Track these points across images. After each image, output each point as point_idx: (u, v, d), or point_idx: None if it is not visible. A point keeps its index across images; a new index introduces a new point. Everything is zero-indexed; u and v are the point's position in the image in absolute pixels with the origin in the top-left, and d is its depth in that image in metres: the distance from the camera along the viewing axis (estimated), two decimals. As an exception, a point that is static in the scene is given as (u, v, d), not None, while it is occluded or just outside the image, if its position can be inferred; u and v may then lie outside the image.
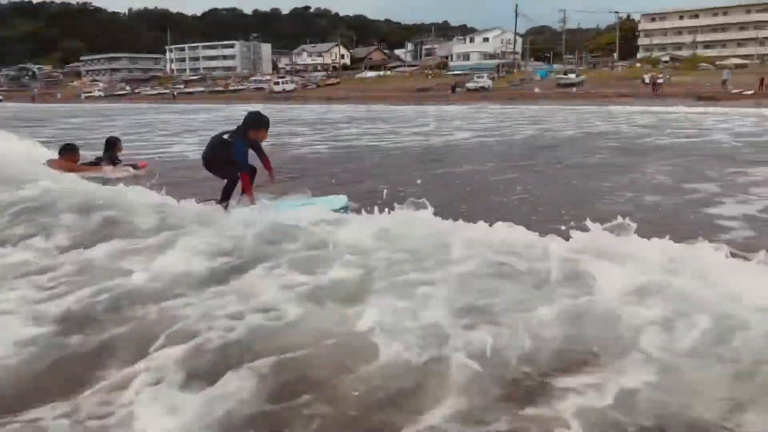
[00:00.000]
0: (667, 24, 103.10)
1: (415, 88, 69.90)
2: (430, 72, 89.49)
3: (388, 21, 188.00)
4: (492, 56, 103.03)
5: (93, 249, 4.21)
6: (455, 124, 24.57)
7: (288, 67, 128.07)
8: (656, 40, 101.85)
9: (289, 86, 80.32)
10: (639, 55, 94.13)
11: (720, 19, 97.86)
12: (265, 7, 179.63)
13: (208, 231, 4.59)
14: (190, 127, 25.68)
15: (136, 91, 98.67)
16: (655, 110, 30.63)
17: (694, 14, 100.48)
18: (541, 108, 35.97)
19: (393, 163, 12.31)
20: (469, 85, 65.04)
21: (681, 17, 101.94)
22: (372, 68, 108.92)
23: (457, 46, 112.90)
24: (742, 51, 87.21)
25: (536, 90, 58.55)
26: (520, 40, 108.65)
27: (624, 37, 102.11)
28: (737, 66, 68.38)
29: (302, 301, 3.29)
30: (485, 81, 66.43)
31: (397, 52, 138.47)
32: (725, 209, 6.97)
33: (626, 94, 47.89)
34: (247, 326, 2.96)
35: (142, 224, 4.77)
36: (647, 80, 50.69)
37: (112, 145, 9.79)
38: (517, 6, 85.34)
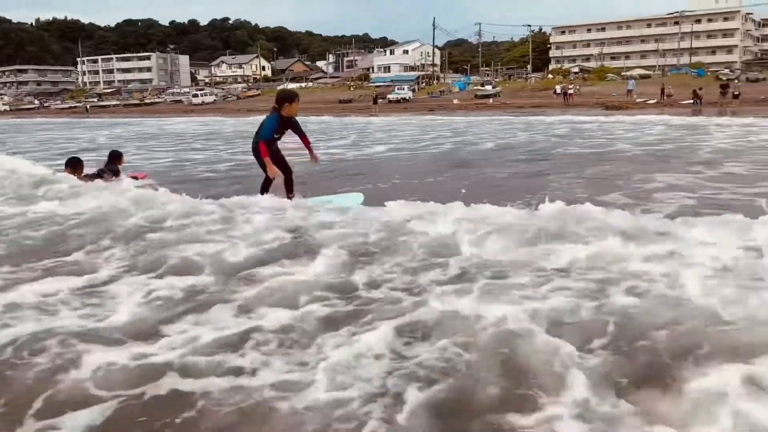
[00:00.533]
0: (576, 37, 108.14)
1: (338, 99, 70.14)
2: (352, 83, 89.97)
3: (309, 33, 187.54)
4: (412, 68, 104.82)
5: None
6: (376, 137, 24.80)
7: (207, 80, 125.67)
8: (566, 52, 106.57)
9: (209, 98, 78.79)
10: (551, 67, 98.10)
11: (624, 32, 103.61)
12: (183, 18, 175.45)
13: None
14: (93, 144, 24.71)
15: (45, 104, 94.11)
16: (569, 119, 31.98)
17: (601, 27, 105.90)
18: (463, 119, 36.82)
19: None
20: (391, 96, 65.87)
21: (589, 30, 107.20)
22: (294, 80, 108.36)
23: (378, 59, 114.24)
24: (645, 62, 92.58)
25: (456, 101, 59.99)
26: (438, 53, 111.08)
27: (537, 50, 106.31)
28: (641, 76, 72.54)
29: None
30: (406, 92, 67.50)
31: (319, 63, 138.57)
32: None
33: (540, 104, 49.90)
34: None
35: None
36: (559, 91, 52.92)
37: (116, 158, 9.83)
38: (434, 20, 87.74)
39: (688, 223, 4.46)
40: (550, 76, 79.08)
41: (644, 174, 11.16)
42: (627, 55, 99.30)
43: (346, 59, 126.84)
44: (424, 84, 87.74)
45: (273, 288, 3.74)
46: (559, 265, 3.82)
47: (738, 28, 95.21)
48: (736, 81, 47.73)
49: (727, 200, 8.46)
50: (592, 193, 9.16)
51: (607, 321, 2.99)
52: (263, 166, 6.98)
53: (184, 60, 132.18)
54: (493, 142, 20.22)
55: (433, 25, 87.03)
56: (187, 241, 4.79)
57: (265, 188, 7.16)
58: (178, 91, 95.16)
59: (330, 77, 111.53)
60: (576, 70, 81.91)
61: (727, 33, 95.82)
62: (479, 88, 68.64)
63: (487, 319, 3.00)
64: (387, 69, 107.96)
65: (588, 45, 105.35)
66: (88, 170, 9.40)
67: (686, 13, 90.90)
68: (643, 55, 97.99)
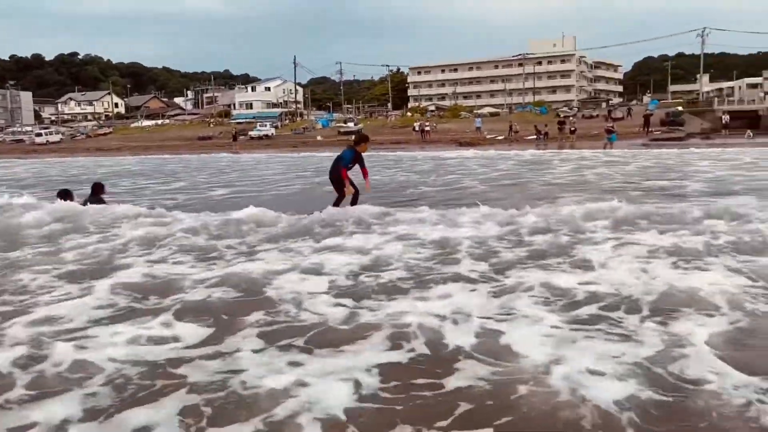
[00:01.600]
0: (431, 77, 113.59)
1: (197, 136, 68.00)
2: (212, 120, 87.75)
3: (166, 69, 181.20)
4: (275, 105, 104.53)
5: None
6: (230, 177, 23.96)
7: (53, 117, 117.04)
8: (423, 91, 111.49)
9: (54, 137, 73.01)
10: (410, 105, 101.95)
11: (474, 73, 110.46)
12: (26, 53, 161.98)
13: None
14: None
15: None
16: (431, 155, 33.00)
17: (453, 68, 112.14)
18: (327, 155, 36.80)
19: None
20: (252, 133, 64.93)
21: (443, 71, 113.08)
22: (150, 117, 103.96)
23: (240, 95, 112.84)
24: (495, 101, 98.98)
25: (319, 138, 60.25)
26: (301, 90, 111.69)
27: (396, 88, 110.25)
28: (491, 114, 77.23)
29: None
30: (268, 129, 66.88)
31: (177, 100, 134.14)
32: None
33: (400, 141, 51.34)
34: None
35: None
36: (417, 128, 54.90)
37: (99, 189, 10.99)
38: (295, 57, 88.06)
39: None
40: (409, 113, 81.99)
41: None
42: (478, 94, 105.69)
43: (205, 96, 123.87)
44: (287, 121, 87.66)
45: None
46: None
47: (573, 70, 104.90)
48: (572, 118, 52.01)
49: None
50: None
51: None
52: (340, 185, 10.15)
53: (26, 96, 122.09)
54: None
55: (294, 62, 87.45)
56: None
57: (337, 203, 10.05)
58: (19, 129, 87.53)
59: (188, 114, 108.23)
60: (432, 108, 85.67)
61: (564, 74, 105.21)
62: (342, 125, 69.59)
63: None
64: (249, 106, 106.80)
65: (443, 84, 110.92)
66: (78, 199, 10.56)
67: (529, 56, 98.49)
68: (493, 94, 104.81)
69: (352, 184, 10.24)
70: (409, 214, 9.07)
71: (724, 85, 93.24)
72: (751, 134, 42.06)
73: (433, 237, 7.46)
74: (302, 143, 54.72)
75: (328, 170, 10.50)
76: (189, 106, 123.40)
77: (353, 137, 10.47)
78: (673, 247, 6.50)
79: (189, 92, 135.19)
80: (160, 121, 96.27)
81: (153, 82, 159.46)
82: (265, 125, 69.40)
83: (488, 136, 50.61)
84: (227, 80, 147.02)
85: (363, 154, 10.27)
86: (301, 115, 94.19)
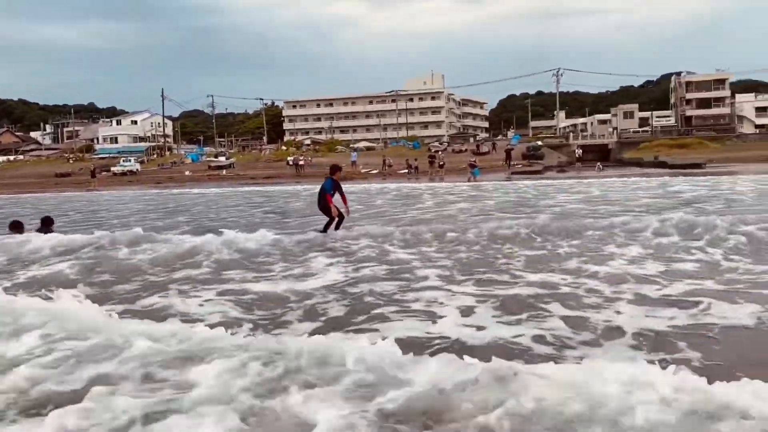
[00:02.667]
0: (307, 111, 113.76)
1: (54, 173, 63.07)
2: (71, 156, 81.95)
3: (23, 101, 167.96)
4: (142, 139, 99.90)
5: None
6: (74, 218, 22.04)
7: None
8: (299, 125, 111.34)
9: None
10: (285, 138, 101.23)
11: (350, 108, 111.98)
12: None
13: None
14: None
15: None
16: (304, 188, 32.38)
17: (329, 102, 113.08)
18: (196, 192, 35.11)
19: None
20: (116, 168, 61.29)
21: (318, 105, 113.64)
22: (2, 152, 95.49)
23: (104, 129, 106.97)
24: (370, 135, 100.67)
25: (188, 172, 57.91)
26: (170, 123, 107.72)
27: (272, 122, 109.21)
28: (367, 148, 78.30)
29: None
30: (133, 164, 63.43)
31: (34, 134, 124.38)
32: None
33: (273, 175, 50.44)
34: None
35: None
36: (291, 162, 54.27)
37: (49, 223, 12.21)
38: (163, 90, 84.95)
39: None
40: (284, 147, 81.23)
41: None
42: (354, 129, 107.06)
43: (66, 129, 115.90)
44: (155, 155, 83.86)
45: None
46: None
47: (443, 106, 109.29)
48: (441, 153, 53.74)
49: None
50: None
51: None
52: (328, 211, 12.14)
53: None
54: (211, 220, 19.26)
55: (162, 95, 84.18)
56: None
57: (327, 227, 12.15)
58: None
59: (46, 149, 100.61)
60: (308, 141, 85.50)
61: (435, 110, 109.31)
62: (213, 159, 67.52)
63: None
64: (114, 140, 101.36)
65: (319, 119, 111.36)
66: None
67: (401, 92, 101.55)
68: (368, 128, 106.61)
69: (336, 210, 12.19)
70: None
71: (579, 121, 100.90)
72: (601, 166, 45.39)
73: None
74: (169, 179, 52.26)
75: (316, 200, 12.53)
76: (48, 141, 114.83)
77: (328, 168, 12.87)
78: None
79: (47, 126, 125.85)
80: (12, 157, 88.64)
81: (8, 115, 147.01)
82: (129, 160, 65.83)
83: (363, 170, 51.00)
84: (92, 113, 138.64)
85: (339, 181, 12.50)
86: (170, 149, 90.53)
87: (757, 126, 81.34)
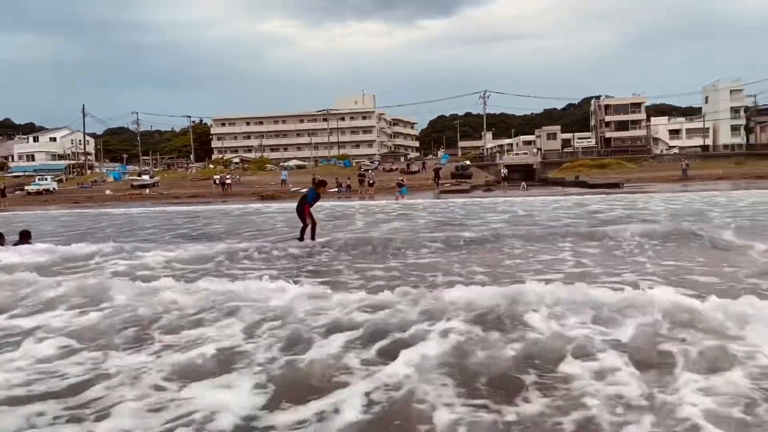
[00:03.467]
0: (236, 129, 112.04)
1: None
2: (-19, 174, 77.46)
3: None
4: (62, 157, 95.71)
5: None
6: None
7: None
8: (228, 143, 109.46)
9: None
10: (213, 157, 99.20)
11: (281, 126, 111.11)
12: None
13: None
14: None
15: None
16: (229, 208, 31.54)
17: (259, 121, 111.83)
18: (115, 211, 33.59)
19: None
20: (29, 187, 58.17)
21: (248, 123, 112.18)
22: None
23: (20, 146, 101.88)
24: (302, 154, 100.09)
25: (108, 191, 55.63)
26: (92, 141, 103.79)
27: (199, 140, 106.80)
28: (298, 167, 77.64)
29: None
30: (49, 183, 60.38)
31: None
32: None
33: (198, 194, 49.10)
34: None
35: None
36: (217, 180, 53.03)
37: (27, 236, 12.99)
38: (84, 106, 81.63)
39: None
40: (211, 165, 79.49)
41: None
42: (285, 147, 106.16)
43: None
44: (75, 173, 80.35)
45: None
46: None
47: (374, 126, 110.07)
48: (371, 172, 53.86)
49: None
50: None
51: None
52: (302, 216, 13.21)
53: None
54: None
55: (83, 111, 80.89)
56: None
57: (302, 234, 13.24)
58: None
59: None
60: (237, 160, 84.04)
61: (366, 130, 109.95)
62: (136, 177, 65.22)
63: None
64: (31, 157, 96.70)
65: (248, 137, 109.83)
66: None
67: (332, 111, 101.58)
68: (299, 147, 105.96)
69: (312, 218, 13.23)
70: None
71: (505, 141, 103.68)
72: (526, 186, 46.60)
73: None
74: (88, 198, 50.00)
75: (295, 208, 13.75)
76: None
77: (316, 181, 14.73)
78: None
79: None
80: None
81: None
82: (46, 179, 62.66)
83: (293, 189, 50.42)
84: (7, 129, 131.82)
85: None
86: (91, 167, 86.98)
87: (670, 147, 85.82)
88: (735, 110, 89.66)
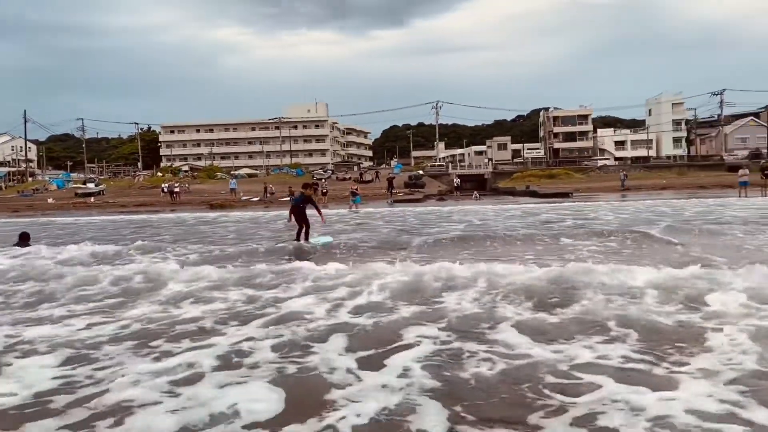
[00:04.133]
0: (185, 136, 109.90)
1: None
2: None
3: None
4: (1, 164, 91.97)
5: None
6: None
7: None
8: (178, 151, 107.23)
9: None
10: (162, 165, 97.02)
11: (232, 134, 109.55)
12: None
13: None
14: None
15: None
16: (181, 216, 30.74)
17: (209, 128, 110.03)
18: (59, 220, 32.26)
19: None
20: (-36, 195, 55.59)
21: (198, 130, 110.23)
22: None
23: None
24: (253, 162, 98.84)
25: (51, 200, 53.59)
26: (35, 148, 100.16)
27: (147, 147, 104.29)
28: (249, 175, 76.58)
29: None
30: (-15, 191, 57.82)
31: None
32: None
33: (146, 203, 47.82)
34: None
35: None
36: (165, 189, 51.70)
37: (26, 238, 14.25)
38: (25, 112, 78.82)
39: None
40: (160, 174, 77.64)
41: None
42: (236, 156, 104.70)
43: None
44: (15, 181, 77.30)
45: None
46: None
47: (327, 135, 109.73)
48: (324, 181, 53.51)
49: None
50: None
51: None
52: (299, 220, 14.32)
53: None
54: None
55: (24, 117, 77.99)
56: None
57: (297, 236, 14.30)
58: None
59: None
60: (186, 168, 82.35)
61: (319, 138, 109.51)
62: (80, 185, 63.03)
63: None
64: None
65: (198, 144, 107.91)
66: None
67: (284, 120, 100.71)
68: (251, 155, 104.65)
69: (300, 220, 14.26)
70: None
71: (457, 151, 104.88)
72: (478, 195, 47.10)
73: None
74: (28, 207, 48.03)
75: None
76: None
77: (305, 185, 15.47)
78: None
79: None
80: None
81: None
82: (-19, 187, 60.02)
83: (244, 198, 49.61)
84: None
85: (311, 196, 14.80)
86: (33, 175, 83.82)
87: (616, 158, 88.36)
88: (677, 123, 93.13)
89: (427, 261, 10.24)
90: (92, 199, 53.33)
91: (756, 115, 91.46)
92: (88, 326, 6.40)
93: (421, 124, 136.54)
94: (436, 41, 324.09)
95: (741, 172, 32.25)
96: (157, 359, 5.17)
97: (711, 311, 5.94)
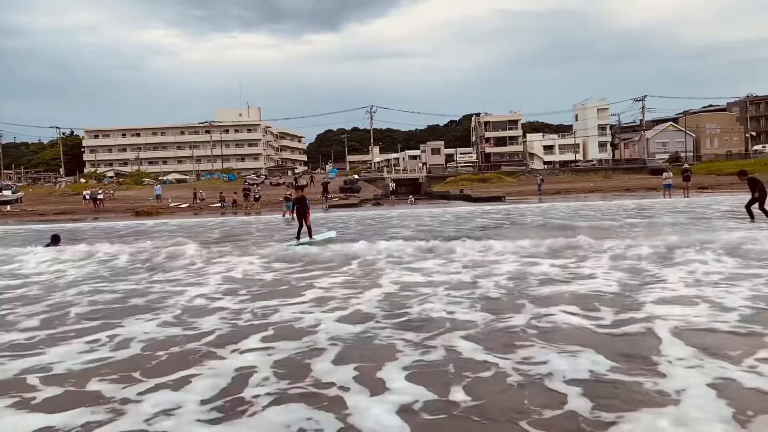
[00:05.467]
0: (110, 141, 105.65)
1: None
2: None
3: None
4: None
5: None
6: None
7: None
8: (102, 156, 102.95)
9: None
10: (86, 170, 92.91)
11: (160, 138, 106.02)
12: None
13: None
14: None
15: None
16: (100, 225, 29.17)
17: (136, 132, 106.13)
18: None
19: None
20: None
21: (123, 135, 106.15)
22: None
23: None
24: (183, 167, 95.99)
25: (-39, 209, 50.14)
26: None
27: (70, 153, 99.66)
28: (178, 181, 74.27)
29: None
30: None
31: None
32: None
33: (67, 210, 45.40)
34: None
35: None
36: (87, 196, 49.15)
37: (57, 239, 16.04)
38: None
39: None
40: (83, 180, 74.17)
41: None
42: (165, 160, 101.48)
43: None
44: None
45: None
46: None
47: (260, 139, 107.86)
48: (257, 186, 52.32)
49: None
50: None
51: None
52: (300, 220, 15.63)
53: None
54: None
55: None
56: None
57: (298, 234, 15.50)
58: None
59: None
60: (111, 174, 79.07)
61: (252, 143, 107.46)
62: (-5, 193, 59.27)
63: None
64: None
65: (124, 149, 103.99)
66: None
67: (215, 123, 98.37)
68: (180, 160, 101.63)
69: (304, 218, 15.47)
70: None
71: (392, 156, 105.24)
72: (413, 199, 47.15)
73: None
74: (-66, 217, 44.72)
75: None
76: None
77: (296, 185, 19.57)
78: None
79: None
80: None
81: None
82: None
83: (172, 204, 47.88)
84: None
85: (305, 197, 16.09)
86: (-59, 181, 78.31)
87: (545, 162, 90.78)
88: (602, 127, 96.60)
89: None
90: (8, 207, 50.25)
91: (675, 120, 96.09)
92: None
93: (356, 129, 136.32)
94: (370, 47, 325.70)
95: (665, 175, 33.48)
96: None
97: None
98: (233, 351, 5.30)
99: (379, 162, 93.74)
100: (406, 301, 7.16)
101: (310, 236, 15.52)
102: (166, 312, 7.09)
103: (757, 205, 16.16)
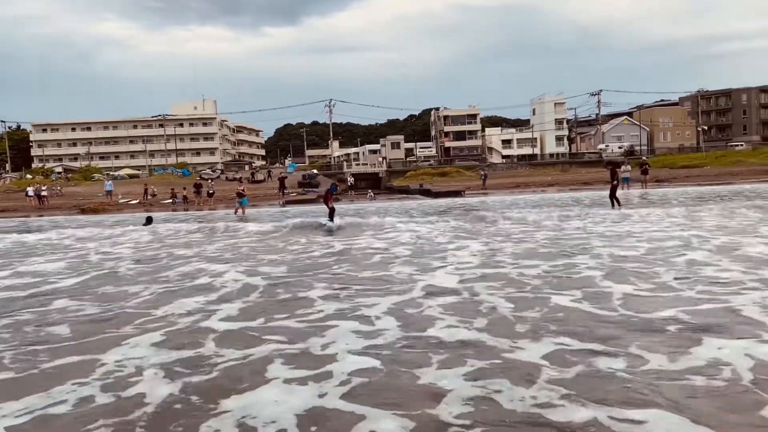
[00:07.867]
0: (60, 135, 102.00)
1: None
2: None
3: None
4: None
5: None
6: None
7: None
8: (51, 151, 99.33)
9: None
10: (34, 166, 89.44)
11: (111, 133, 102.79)
12: None
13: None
14: None
15: None
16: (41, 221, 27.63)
17: (87, 127, 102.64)
18: None
19: None
20: None
21: (73, 129, 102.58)
22: None
23: None
24: (136, 162, 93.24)
25: None
26: None
27: (17, 147, 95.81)
28: (130, 176, 71.96)
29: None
30: None
31: None
32: None
33: (9, 208, 43.31)
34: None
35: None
36: (31, 192, 46.92)
37: (150, 220, 21.35)
38: None
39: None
40: (29, 176, 71.22)
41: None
42: (117, 155, 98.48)
43: None
44: None
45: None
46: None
47: (216, 133, 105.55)
48: (210, 181, 50.80)
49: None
50: None
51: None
52: (327, 204, 20.29)
53: None
54: None
55: None
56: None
57: (330, 215, 19.31)
58: None
59: None
60: (60, 169, 76.17)
61: (207, 137, 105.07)
62: (-68, 190, 56.34)
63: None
64: None
65: (75, 144, 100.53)
66: None
67: (169, 117, 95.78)
68: (133, 155, 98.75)
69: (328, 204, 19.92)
70: None
71: (351, 150, 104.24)
72: (373, 195, 46.48)
73: None
74: None
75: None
76: None
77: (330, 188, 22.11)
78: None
79: None
80: None
81: None
82: None
83: (121, 200, 46.19)
84: None
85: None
86: None
87: (503, 156, 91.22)
88: (559, 122, 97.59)
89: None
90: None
91: (629, 114, 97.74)
92: None
93: (315, 123, 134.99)
94: (329, 40, 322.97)
95: (623, 168, 33.58)
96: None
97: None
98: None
99: (339, 156, 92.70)
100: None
101: (331, 219, 18.85)
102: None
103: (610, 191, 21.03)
